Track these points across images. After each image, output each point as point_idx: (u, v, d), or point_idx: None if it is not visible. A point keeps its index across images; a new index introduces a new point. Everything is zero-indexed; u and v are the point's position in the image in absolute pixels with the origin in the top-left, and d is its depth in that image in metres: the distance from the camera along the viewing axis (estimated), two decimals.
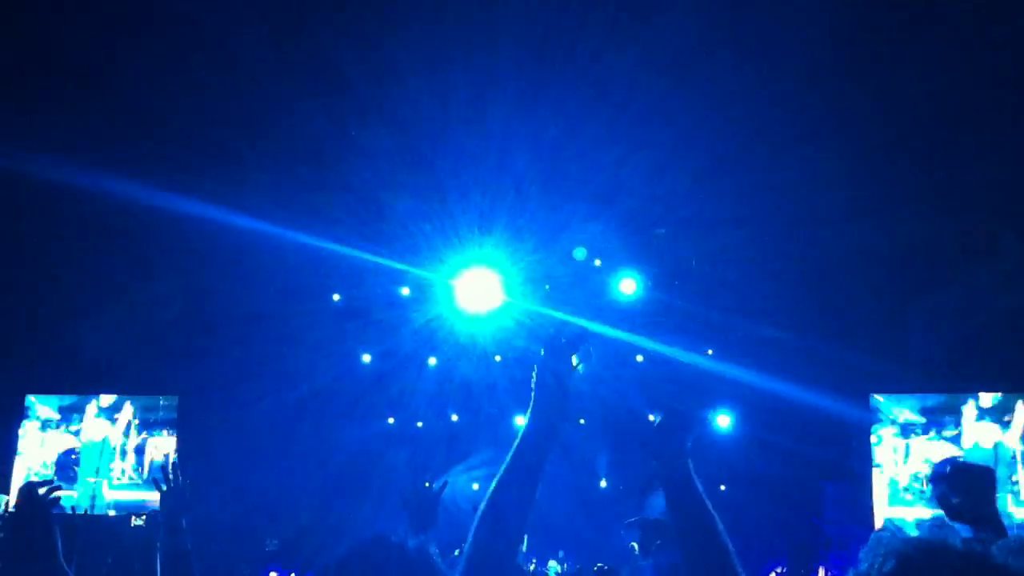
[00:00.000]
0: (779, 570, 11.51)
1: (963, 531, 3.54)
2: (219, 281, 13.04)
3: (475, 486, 13.18)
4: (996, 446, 12.45)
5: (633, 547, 4.33)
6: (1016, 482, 12.29)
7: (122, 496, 14.30)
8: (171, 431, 14.33)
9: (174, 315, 13.26)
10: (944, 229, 11.32)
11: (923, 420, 12.75)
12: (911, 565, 1.37)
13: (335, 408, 13.87)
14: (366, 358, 14.42)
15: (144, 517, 12.46)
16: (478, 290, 12.69)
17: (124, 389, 14.53)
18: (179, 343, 13.58)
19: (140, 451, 14.40)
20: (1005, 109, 9.81)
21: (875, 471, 12.64)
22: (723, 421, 13.29)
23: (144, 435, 14.46)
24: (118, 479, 14.40)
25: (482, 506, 2.15)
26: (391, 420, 14.75)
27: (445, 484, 3.75)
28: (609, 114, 11.11)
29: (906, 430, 12.78)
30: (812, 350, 11.80)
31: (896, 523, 11.74)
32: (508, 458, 2.19)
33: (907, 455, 12.67)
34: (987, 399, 12.57)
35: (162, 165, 10.98)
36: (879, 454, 12.72)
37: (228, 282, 13.00)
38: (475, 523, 2.13)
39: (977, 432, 12.55)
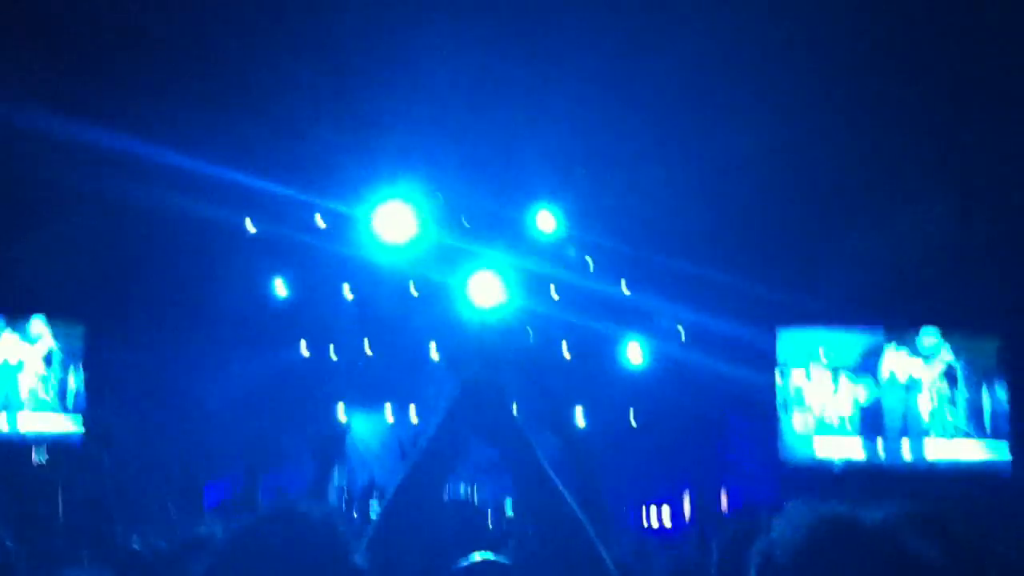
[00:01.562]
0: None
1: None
2: (132, 213, 12.69)
3: None
4: (912, 381, 12.85)
5: None
6: (930, 420, 12.74)
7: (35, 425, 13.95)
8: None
9: (88, 245, 12.89)
10: (862, 164, 11.61)
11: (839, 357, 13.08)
12: (818, 536, 1.37)
13: (248, 338, 13.71)
14: (280, 289, 14.31)
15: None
16: (396, 223, 12.68)
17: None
18: (88, 271, 13.25)
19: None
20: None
21: (794, 407, 12.96)
22: (634, 354, 13.57)
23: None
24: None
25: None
26: (305, 352, 14.67)
27: (348, 425, 3.77)
28: (532, 46, 11.09)
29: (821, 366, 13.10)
30: (724, 284, 12.07)
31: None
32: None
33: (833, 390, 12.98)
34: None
35: (74, 90, 10.62)
36: (801, 389, 13.05)
37: (141, 214, 12.66)
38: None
39: (894, 366, 12.96)
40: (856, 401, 12.85)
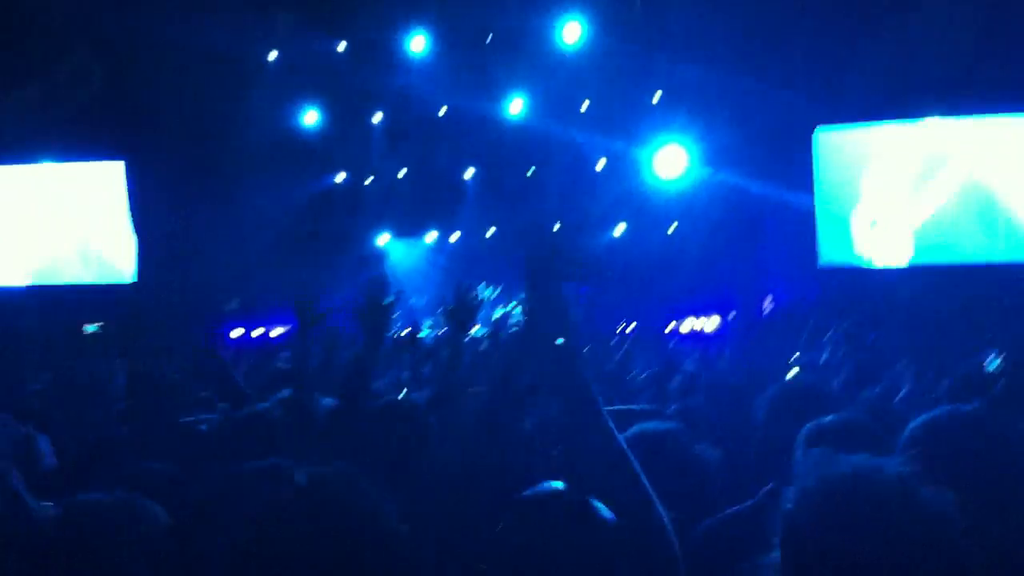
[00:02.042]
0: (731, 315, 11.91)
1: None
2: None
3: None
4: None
5: None
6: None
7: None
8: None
9: (98, 86, 12.81)
10: None
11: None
12: (836, 494, 1.39)
13: (280, 166, 13.74)
14: (311, 116, 14.24)
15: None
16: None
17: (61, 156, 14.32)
18: (114, 110, 13.26)
19: None
20: None
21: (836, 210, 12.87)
22: (672, 163, 13.40)
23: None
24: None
25: None
26: (340, 177, 14.71)
27: (398, 297, 3.66)
28: None
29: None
30: (755, 88, 11.75)
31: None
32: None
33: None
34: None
35: None
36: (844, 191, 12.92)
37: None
38: None
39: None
40: (906, 199, 12.72)
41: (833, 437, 2.28)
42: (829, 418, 2.54)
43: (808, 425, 2.53)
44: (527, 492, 1.84)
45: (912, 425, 2.00)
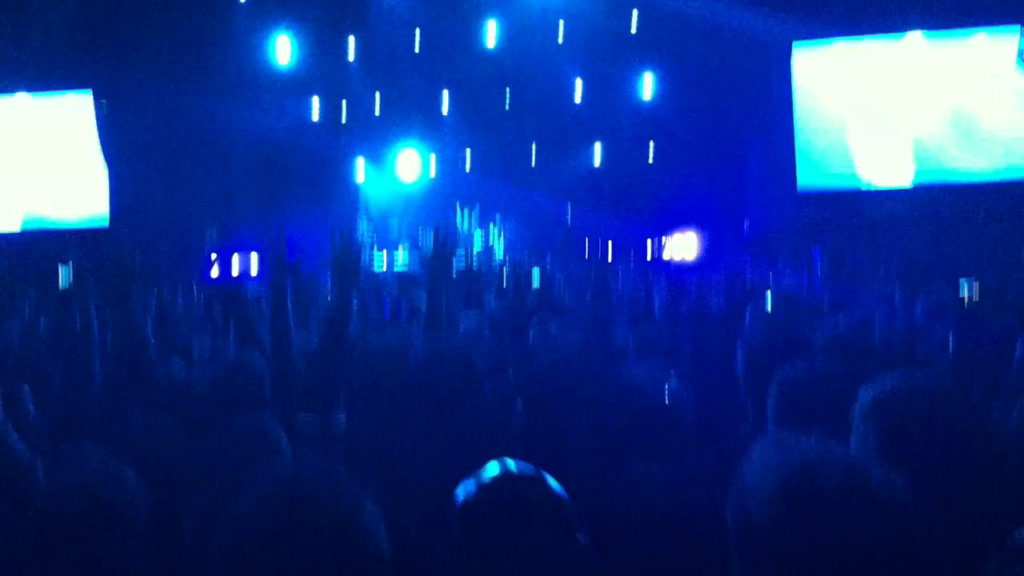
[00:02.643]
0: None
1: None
2: None
3: None
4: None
5: None
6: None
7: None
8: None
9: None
10: None
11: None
12: (788, 486, 1.38)
13: (253, 95, 13.54)
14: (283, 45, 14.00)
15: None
16: None
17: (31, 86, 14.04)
18: (85, 38, 13.00)
19: None
20: None
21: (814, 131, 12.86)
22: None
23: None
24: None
25: None
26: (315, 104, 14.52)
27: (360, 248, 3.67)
28: None
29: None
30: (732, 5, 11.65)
31: None
32: None
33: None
34: None
35: None
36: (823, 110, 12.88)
37: None
38: None
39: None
40: (886, 118, 12.67)
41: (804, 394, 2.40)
42: (801, 370, 2.56)
43: (779, 378, 2.56)
44: (478, 479, 1.86)
45: (863, 400, 2.00)
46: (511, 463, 1.90)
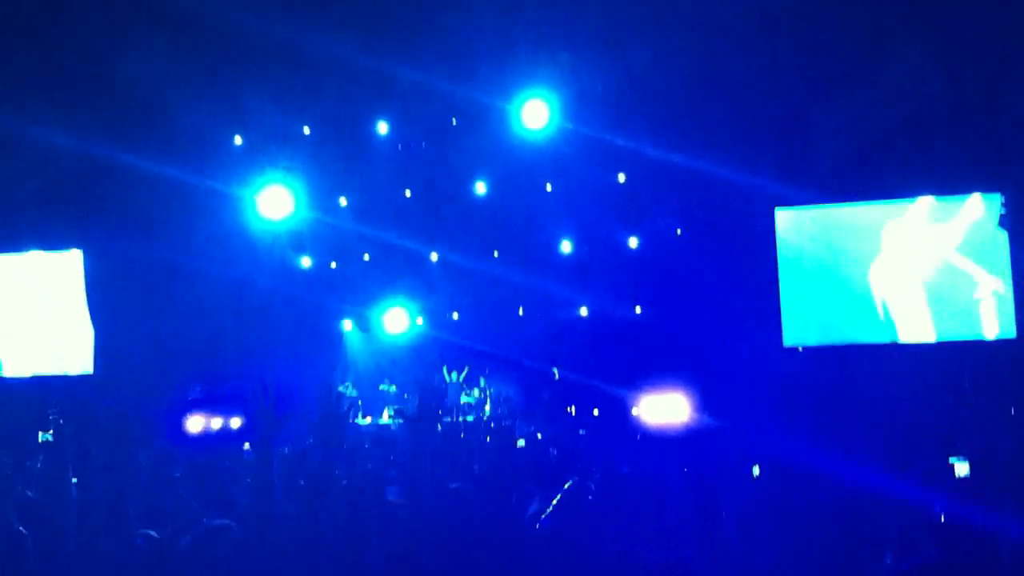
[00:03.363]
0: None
1: None
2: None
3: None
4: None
5: None
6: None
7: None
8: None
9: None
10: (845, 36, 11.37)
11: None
12: None
13: (242, 252, 13.64)
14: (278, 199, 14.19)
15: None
16: None
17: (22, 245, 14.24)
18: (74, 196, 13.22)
19: None
20: None
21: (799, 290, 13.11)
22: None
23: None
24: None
25: None
26: (305, 261, 14.65)
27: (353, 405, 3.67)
28: None
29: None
30: (718, 170, 11.94)
31: None
32: None
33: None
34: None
35: None
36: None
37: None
38: None
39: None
40: (863, 278, 12.92)
41: None
42: None
43: None
44: None
45: None
46: None
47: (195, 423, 12.18)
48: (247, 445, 7.59)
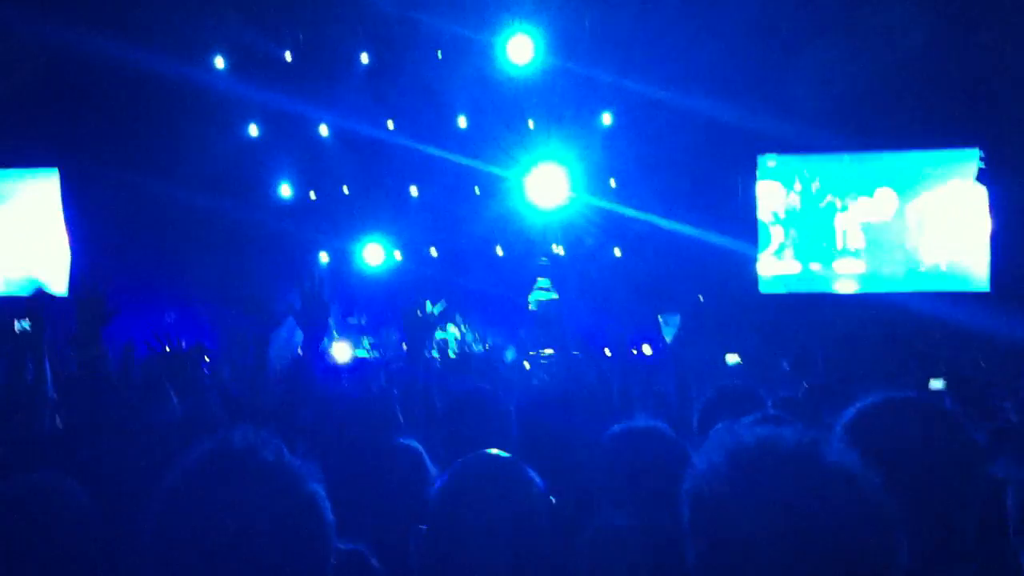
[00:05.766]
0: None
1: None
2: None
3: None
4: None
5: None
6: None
7: None
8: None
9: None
10: None
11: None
12: (740, 463, 1.38)
13: (223, 178, 13.54)
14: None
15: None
16: None
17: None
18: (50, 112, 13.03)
19: None
20: None
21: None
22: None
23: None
24: None
25: None
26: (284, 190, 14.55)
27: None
28: None
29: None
30: (700, 111, 11.95)
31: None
32: None
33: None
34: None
35: None
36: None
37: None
38: None
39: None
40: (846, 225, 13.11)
41: None
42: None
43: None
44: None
45: (846, 417, 1.99)
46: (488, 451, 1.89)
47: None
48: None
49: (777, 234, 13.30)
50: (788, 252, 13.27)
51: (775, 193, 13.33)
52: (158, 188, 12.91)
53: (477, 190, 14.21)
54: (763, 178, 13.36)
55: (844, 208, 13.19)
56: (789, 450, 1.37)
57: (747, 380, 5.24)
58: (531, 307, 13.47)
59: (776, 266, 13.23)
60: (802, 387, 4.53)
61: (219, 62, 13.43)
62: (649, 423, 2.80)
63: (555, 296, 13.36)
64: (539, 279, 13.32)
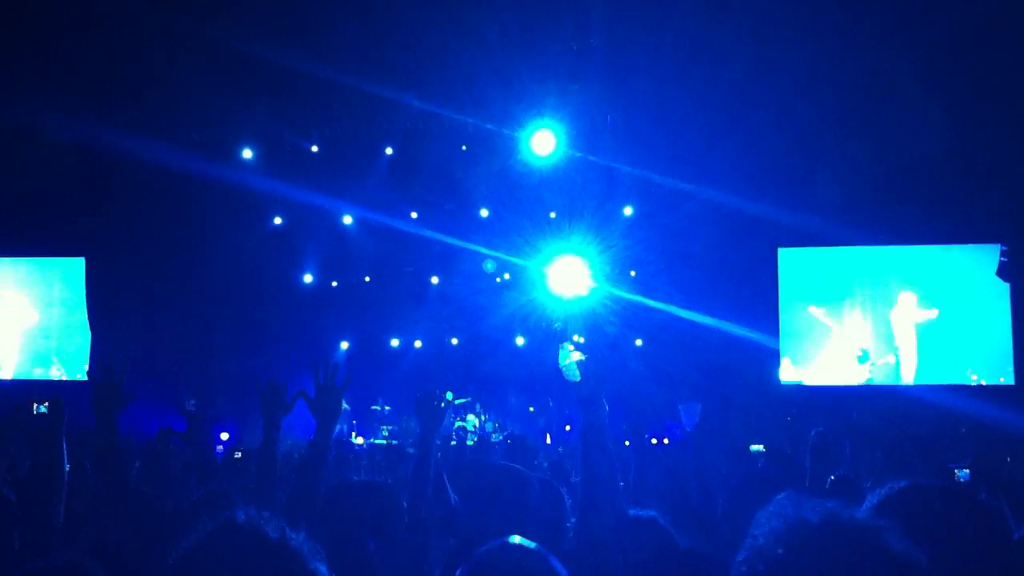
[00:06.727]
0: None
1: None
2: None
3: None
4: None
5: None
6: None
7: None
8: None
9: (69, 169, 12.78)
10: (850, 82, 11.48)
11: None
12: (802, 538, 1.33)
13: (245, 269, 13.65)
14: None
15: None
16: None
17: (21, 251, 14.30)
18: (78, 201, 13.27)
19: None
20: None
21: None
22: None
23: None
24: None
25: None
26: (307, 278, 14.66)
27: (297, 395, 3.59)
28: None
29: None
30: (722, 205, 12.03)
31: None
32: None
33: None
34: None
35: None
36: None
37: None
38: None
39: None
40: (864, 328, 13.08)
41: None
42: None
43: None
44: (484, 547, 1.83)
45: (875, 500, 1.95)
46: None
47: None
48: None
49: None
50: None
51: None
52: (181, 276, 13.06)
53: (501, 277, 14.29)
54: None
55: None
56: (855, 532, 1.32)
57: (771, 468, 5.19)
58: (567, 372, 13.33)
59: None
60: (828, 479, 4.45)
61: (247, 153, 13.63)
62: (648, 512, 2.80)
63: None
64: (562, 344, 13.25)
